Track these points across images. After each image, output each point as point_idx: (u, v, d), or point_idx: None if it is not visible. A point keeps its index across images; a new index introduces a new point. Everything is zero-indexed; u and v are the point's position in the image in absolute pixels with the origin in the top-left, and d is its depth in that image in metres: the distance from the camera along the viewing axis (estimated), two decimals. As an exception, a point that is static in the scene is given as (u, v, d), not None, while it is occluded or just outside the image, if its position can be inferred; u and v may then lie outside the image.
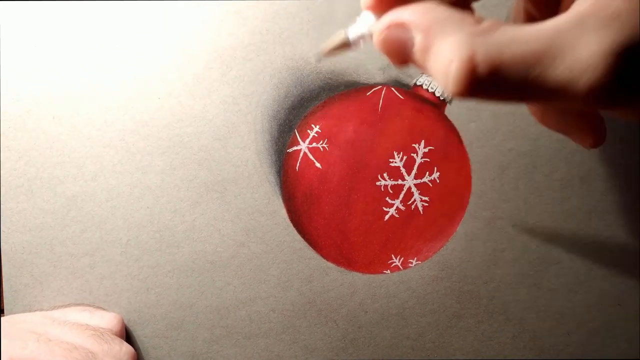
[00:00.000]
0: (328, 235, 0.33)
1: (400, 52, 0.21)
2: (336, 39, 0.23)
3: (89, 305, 0.34)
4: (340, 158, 0.33)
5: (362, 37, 0.22)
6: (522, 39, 0.18)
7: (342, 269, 0.33)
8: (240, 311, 0.33)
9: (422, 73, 0.33)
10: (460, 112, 0.33)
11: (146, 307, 0.34)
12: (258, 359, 0.33)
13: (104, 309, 0.34)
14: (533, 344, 0.33)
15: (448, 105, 0.33)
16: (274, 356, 0.33)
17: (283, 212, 0.33)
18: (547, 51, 0.18)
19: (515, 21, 0.24)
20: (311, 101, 0.33)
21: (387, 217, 0.33)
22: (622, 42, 0.17)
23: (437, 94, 0.33)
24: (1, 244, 0.33)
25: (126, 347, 0.32)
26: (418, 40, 0.20)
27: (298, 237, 0.33)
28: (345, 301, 0.33)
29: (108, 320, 0.33)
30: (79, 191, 0.33)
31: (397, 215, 0.33)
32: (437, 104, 0.33)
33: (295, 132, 0.33)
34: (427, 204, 0.33)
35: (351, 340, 0.33)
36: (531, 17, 0.24)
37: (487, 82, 0.19)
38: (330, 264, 0.33)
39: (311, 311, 0.33)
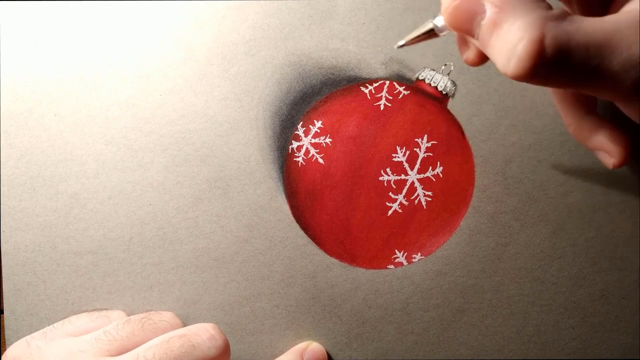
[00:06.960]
0: (331, 231, 0.33)
1: (466, 23, 0.22)
2: (423, 28, 0.25)
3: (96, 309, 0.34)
4: (342, 153, 0.33)
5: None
6: (587, 29, 0.20)
7: (346, 264, 0.33)
8: (244, 308, 0.33)
9: (425, 67, 0.33)
10: (463, 106, 0.33)
11: (149, 305, 0.34)
12: (262, 355, 0.33)
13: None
14: (537, 338, 0.33)
15: (451, 99, 0.33)
16: (278, 352, 0.33)
17: (286, 208, 0.33)
18: (607, 45, 0.20)
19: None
20: (313, 96, 0.33)
21: (390, 212, 0.33)
22: None
23: (440, 88, 0.33)
24: (1, 243, 0.33)
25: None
26: (489, 14, 0.21)
27: (301, 233, 0.33)
28: (349, 297, 0.33)
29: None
30: (81, 189, 0.33)
31: (400, 210, 0.33)
32: (440, 98, 0.33)
33: (297, 128, 0.33)
34: (430, 199, 0.33)
35: (355, 335, 0.33)
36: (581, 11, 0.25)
37: (551, 64, 0.20)
38: (333, 260, 0.33)
39: (315, 307, 0.33)
